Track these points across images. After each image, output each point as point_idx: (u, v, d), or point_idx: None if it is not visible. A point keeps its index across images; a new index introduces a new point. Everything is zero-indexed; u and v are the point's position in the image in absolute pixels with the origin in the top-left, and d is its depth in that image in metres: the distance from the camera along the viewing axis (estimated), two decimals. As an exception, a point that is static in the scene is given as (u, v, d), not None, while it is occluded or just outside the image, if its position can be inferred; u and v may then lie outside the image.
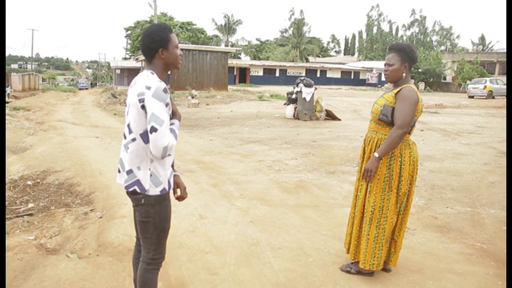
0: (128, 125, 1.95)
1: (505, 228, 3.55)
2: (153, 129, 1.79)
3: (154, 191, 1.92)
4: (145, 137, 1.88)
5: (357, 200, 2.80)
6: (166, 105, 1.85)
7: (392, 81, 2.67)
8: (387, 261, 2.81)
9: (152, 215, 1.96)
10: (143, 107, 1.84)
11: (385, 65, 2.68)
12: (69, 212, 4.15)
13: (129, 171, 1.94)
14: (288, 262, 3.03)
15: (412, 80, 3.29)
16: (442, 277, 2.82)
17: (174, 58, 1.98)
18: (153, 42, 1.91)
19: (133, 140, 1.91)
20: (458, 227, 3.77)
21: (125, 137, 1.98)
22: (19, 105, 18.01)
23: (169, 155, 1.95)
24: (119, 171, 2.04)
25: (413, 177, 2.67)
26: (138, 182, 1.92)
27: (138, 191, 1.92)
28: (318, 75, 44.89)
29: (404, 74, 2.63)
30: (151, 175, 1.91)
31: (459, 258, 3.14)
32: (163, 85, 1.85)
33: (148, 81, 1.87)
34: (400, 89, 2.59)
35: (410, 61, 2.63)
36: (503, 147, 7.46)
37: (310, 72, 44.36)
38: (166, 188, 1.96)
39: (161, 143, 1.80)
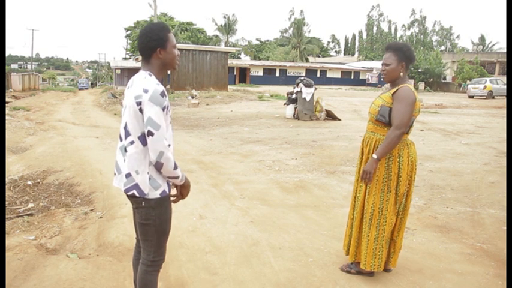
0: (125, 127, 1.92)
1: (505, 228, 3.55)
2: (150, 134, 1.80)
3: (154, 194, 1.90)
4: (143, 139, 1.86)
5: (355, 202, 2.79)
6: (164, 108, 1.83)
7: (390, 80, 2.66)
8: (387, 261, 2.81)
9: (153, 218, 1.95)
10: (141, 110, 1.82)
11: (382, 64, 2.68)
12: (69, 212, 4.15)
13: (128, 175, 1.91)
14: (288, 262, 3.03)
15: (412, 80, 3.30)
16: (442, 277, 2.83)
17: (172, 58, 1.96)
18: (151, 41, 1.89)
19: (132, 142, 1.89)
20: (458, 227, 3.77)
21: (121, 139, 1.96)
22: (19, 105, 17.97)
23: None
24: (115, 174, 2.02)
25: (412, 177, 2.67)
26: (136, 186, 1.90)
27: (137, 195, 1.91)
28: (318, 75, 44.87)
29: (401, 74, 2.62)
30: (150, 178, 1.89)
31: (459, 258, 3.14)
32: (161, 88, 1.83)
33: (146, 83, 1.85)
34: (397, 89, 2.58)
35: (408, 60, 2.62)
36: (503, 147, 7.46)
37: (310, 72, 44.33)
38: (167, 190, 1.95)
39: (157, 147, 1.80)
